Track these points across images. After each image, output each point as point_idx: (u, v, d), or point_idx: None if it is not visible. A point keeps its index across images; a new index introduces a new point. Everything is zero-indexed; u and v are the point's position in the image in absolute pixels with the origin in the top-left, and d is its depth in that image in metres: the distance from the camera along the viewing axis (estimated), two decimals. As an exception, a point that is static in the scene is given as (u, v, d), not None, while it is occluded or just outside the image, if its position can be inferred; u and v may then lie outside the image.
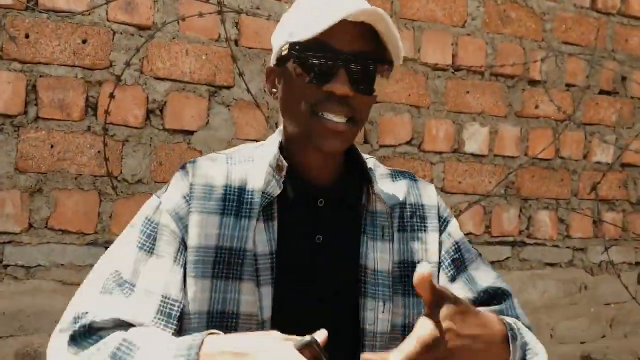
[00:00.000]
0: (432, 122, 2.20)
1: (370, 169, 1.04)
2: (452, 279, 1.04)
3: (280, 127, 1.03)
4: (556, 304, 2.47)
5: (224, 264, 0.94)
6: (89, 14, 1.72)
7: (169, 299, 0.92)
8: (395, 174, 1.11)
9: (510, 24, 2.31)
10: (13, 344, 1.69)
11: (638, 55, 2.55)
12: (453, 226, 1.08)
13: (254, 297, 0.93)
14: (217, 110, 1.89)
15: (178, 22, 1.81)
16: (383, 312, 0.97)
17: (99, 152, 1.75)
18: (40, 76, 1.69)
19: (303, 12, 0.96)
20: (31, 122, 1.69)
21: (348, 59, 0.90)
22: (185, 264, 0.94)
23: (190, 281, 0.93)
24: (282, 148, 1.01)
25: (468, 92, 2.25)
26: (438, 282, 1.01)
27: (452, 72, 2.23)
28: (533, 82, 2.36)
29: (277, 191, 0.97)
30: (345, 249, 0.99)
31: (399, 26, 2.12)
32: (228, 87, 1.90)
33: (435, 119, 2.20)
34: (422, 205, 1.07)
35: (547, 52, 2.36)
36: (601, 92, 2.50)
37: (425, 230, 1.05)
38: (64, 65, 1.71)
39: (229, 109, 1.90)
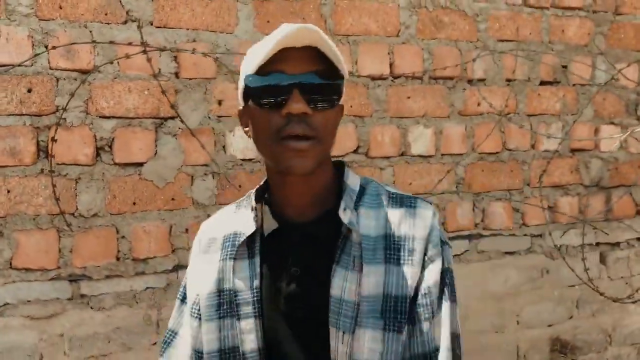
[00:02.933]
0: (377, 129, 2.30)
1: (361, 193, 1.06)
2: (421, 321, 1.00)
3: None
4: (520, 290, 2.56)
5: (225, 304, 1.05)
6: (32, 65, 1.84)
7: (200, 353, 1.08)
8: (394, 201, 1.07)
9: (444, 29, 2.41)
10: (-11, 380, 1.79)
11: (576, 44, 2.65)
12: (437, 265, 1.03)
13: (241, 333, 1.03)
14: (164, 140, 2.00)
15: (118, 62, 1.93)
16: (342, 343, 0.98)
17: (53, 191, 1.86)
18: (-9, 127, 1.81)
19: (253, 51, 1.03)
20: (-13, 170, 1.81)
21: (299, 79, 0.96)
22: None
23: (203, 326, 1.07)
24: (267, 186, 1.10)
25: (409, 97, 2.36)
26: (402, 318, 0.99)
27: (392, 80, 2.33)
28: (473, 81, 2.46)
29: (251, 229, 1.05)
30: (318, 279, 1.01)
31: (335, 42, 2.23)
32: (173, 118, 2.01)
33: (379, 126, 2.31)
34: (412, 238, 1.03)
35: (483, 51, 2.46)
36: (543, 83, 2.59)
37: (411, 264, 1.01)
38: (12, 114, 1.83)
39: (175, 138, 2.01)
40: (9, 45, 1.82)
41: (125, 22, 1.95)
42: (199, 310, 1.08)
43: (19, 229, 1.83)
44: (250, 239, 1.06)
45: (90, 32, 1.90)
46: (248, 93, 1.02)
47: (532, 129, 2.57)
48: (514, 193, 2.54)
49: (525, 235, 2.57)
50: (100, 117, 1.92)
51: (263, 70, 0.97)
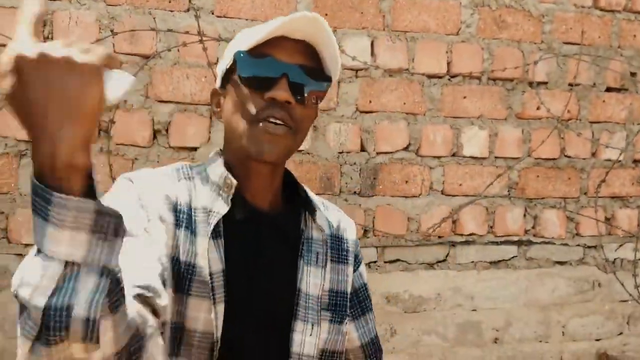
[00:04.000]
0: (429, 128, 2.29)
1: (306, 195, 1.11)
2: (355, 317, 1.16)
3: (216, 150, 1.08)
4: (568, 301, 2.49)
5: (182, 279, 0.93)
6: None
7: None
8: (326, 204, 1.18)
9: (507, 29, 2.36)
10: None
11: (648, 50, 2.53)
12: (363, 267, 1.20)
13: (203, 314, 0.93)
14: (218, 127, 2.06)
15: (178, 49, 1.99)
16: (311, 335, 1.02)
17: (109, 170, 1.95)
18: (58, 105, 1.91)
19: (247, 32, 1.03)
20: (51, 146, 1.92)
21: (289, 69, 0.96)
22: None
23: None
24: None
25: (465, 97, 2.32)
26: (347, 312, 1.11)
27: (448, 79, 2.30)
28: (533, 84, 2.40)
29: (225, 209, 0.98)
30: (284, 273, 1.03)
31: (392, 39, 2.23)
32: (227, 106, 2.06)
33: (432, 125, 2.29)
34: (346, 239, 1.15)
35: (546, 53, 2.39)
36: (609, 89, 2.50)
37: (346, 263, 1.13)
38: (77, 94, 1.92)
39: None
40: (77, 29, 1.92)
41: (187, 10, 2.01)
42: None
43: (77, 203, 1.93)
44: (213, 216, 0.98)
45: (154, 18, 1.98)
46: (232, 71, 1.01)
47: (593, 136, 2.48)
48: (570, 201, 2.47)
49: (578, 245, 2.49)
50: (158, 101, 2.00)
51: (256, 51, 0.97)
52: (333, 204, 1.21)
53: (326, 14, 2.16)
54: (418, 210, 2.28)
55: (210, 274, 0.94)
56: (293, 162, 2.14)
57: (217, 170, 1.03)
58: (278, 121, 0.96)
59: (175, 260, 0.93)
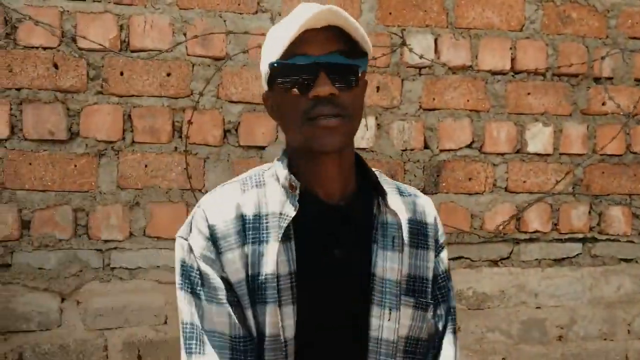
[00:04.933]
0: (493, 125, 2.29)
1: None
2: (435, 305, 1.11)
3: (283, 149, 1.10)
4: (633, 299, 2.45)
5: (253, 291, 0.98)
6: (172, 51, 2.00)
7: (239, 338, 0.98)
8: (403, 189, 1.15)
9: (572, 24, 2.34)
10: (120, 334, 2.00)
11: None
12: (445, 253, 1.14)
13: (276, 318, 0.96)
14: (285, 126, 2.10)
15: (247, 51, 2.05)
16: (389, 320, 1.01)
17: (185, 169, 2.02)
18: (134, 107, 1.99)
19: (275, 35, 1.02)
20: (128, 146, 1.99)
21: (324, 61, 0.95)
22: (237, 297, 0.98)
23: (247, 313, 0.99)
24: (290, 169, 1.06)
25: (529, 93, 2.31)
26: (429, 299, 1.08)
27: (512, 76, 2.30)
28: (599, 80, 2.37)
29: (293, 212, 0.99)
30: (358, 260, 1.03)
31: (455, 36, 2.23)
32: (294, 105, 2.11)
33: (495, 122, 2.29)
34: (425, 224, 1.12)
35: (612, 48, 2.36)
36: (676, 84, 2.45)
37: (427, 248, 1.10)
38: (152, 96, 2.00)
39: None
40: (152, 32, 1.99)
41: (255, 12, 2.06)
42: (227, 294, 0.99)
43: (153, 201, 2.01)
44: (282, 220, 1.01)
45: (224, 21, 2.04)
46: (273, 78, 1.01)
47: (660, 132, 2.43)
48: (635, 198, 2.43)
49: (644, 242, 2.45)
50: (229, 101, 2.06)
51: (287, 53, 0.96)
52: (412, 188, 1.18)
53: (390, 13, 2.18)
54: (481, 207, 2.28)
55: (278, 277, 0.97)
56: (358, 160, 2.17)
57: (282, 172, 1.05)
58: (329, 117, 0.96)
59: (248, 279, 0.99)
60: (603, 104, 2.38)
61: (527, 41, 2.31)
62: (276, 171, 1.06)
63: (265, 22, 2.06)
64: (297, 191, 1.01)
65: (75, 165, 1.96)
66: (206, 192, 2.04)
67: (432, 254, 1.10)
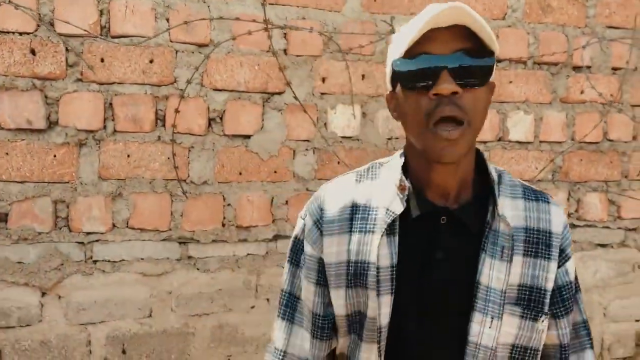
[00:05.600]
0: (476, 114, 2.29)
1: (499, 182, 1.07)
2: (556, 317, 1.08)
3: (404, 146, 1.11)
4: (609, 283, 2.52)
5: (353, 275, 1.05)
6: (154, 37, 1.94)
7: (319, 316, 1.09)
8: (529, 193, 1.10)
9: (552, 13, 2.36)
10: (104, 329, 1.95)
11: (689, 33, 2.53)
12: (571, 263, 1.10)
13: (375, 304, 1.02)
14: (270, 115, 2.07)
15: (232, 37, 2.00)
16: (490, 327, 1.01)
17: (168, 158, 1.97)
18: (115, 94, 1.93)
19: (401, 34, 1.02)
20: (110, 135, 1.93)
21: (447, 59, 0.94)
22: (326, 280, 1.08)
23: (332, 292, 1.07)
24: (406, 166, 1.09)
25: (511, 81, 2.33)
26: (545, 310, 1.05)
27: (495, 64, 2.31)
28: (578, 68, 2.40)
29: (400, 209, 1.03)
30: (462, 266, 1.03)
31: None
32: (279, 93, 2.07)
33: (478, 110, 2.30)
34: (549, 233, 1.06)
35: (591, 37, 2.39)
36: (650, 72, 2.50)
37: (549, 259, 1.05)
38: (135, 83, 1.94)
39: (281, 113, 2.08)
40: (134, 17, 1.92)
41: (240, -2, 2.02)
42: (318, 276, 1.09)
43: (136, 192, 1.96)
44: (389, 215, 1.05)
45: (208, 6, 1.98)
46: (396, 77, 1.01)
47: (635, 120, 2.49)
48: (611, 184, 2.49)
49: (619, 228, 2.52)
50: (213, 89, 2.01)
51: (411, 53, 0.96)
52: (541, 192, 1.13)
53: (375, 0, 2.16)
54: (465, 195, 2.30)
55: (378, 268, 1.02)
56: (343, 149, 2.16)
57: (397, 170, 1.08)
58: (449, 125, 0.95)
59: (349, 263, 1.06)
60: (581, 92, 2.42)
61: (509, 30, 2.32)
62: (391, 167, 1.10)
63: (249, 8, 2.02)
64: (406, 192, 1.05)
65: (55, 156, 1.89)
66: (191, 182, 2.00)
67: (553, 265, 1.05)
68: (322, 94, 2.13)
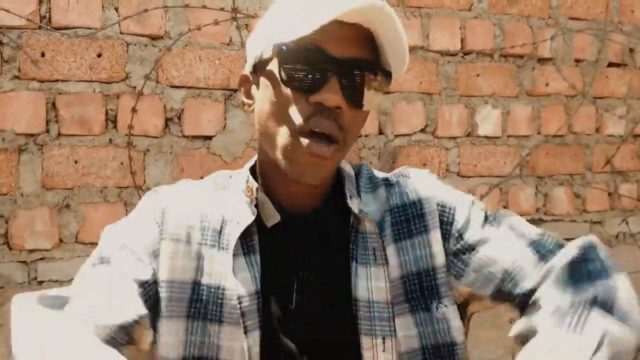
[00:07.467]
0: (445, 108, 2.21)
1: (357, 176, 0.94)
2: (467, 270, 0.88)
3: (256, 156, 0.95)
4: (576, 277, 2.50)
5: (201, 302, 0.82)
6: (102, 28, 1.74)
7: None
8: (389, 179, 0.96)
9: (517, 4, 2.31)
10: (54, 356, 1.73)
11: (645, 25, 2.55)
12: (464, 209, 0.90)
13: (238, 343, 0.81)
14: (233, 113, 1.91)
15: (189, 29, 1.82)
16: (384, 350, 0.83)
17: (121, 163, 1.77)
18: (59, 93, 1.71)
19: (288, 12, 0.82)
20: (53, 139, 1.72)
21: (342, 66, 0.78)
22: (154, 300, 0.81)
23: (162, 322, 0.82)
24: (254, 171, 0.92)
25: (478, 75, 2.26)
26: (441, 294, 0.87)
27: (462, 57, 2.23)
28: (542, 60, 2.36)
29: (250, 217, 0.85)
30: (334, 282, 0.85)
31: (407, 15, 2.13)
32: (243, 90, 1.91)
33: (447, 105, 2.22)
34: (418, 201, 0.90)
35: (555, 29, 2.36)
36: (610, 65, 2.50)
37: (426, 230, 0.89)
38: (81, 81, 1.73)
39: (244, 111, 1.92)
40: (78, 6, 1.71)
41: (196, -14, 1.84)
42: (148, 292, 0.82)
43: (86, 202, 1.75)
44: (247, 230, 0.85)
45: (162, -5, 1.80)
46: (269, 61, 0.82)
47: (597, 112, 2.48)
48: (576, 178, 2.47)
49: (585, 221, 2.50)
50: (170, 86, 1.83)
51: (298, 39, 0.77)
52: (407, 169, 0.98)
53: (340, -10, 2.03)
54: (436, 193, 2.21)
55: (239, 297, 0.81)
56: (312, 148, 2.02)
57: (244, 175, 0.90)
58: (322, 141, 0.78)
59: (196, 285, 0.83)
60: (546, 85, 2.38)
61: (475, 21, 2.25)
62: (241, 177, 0.91)
63: (207, -4, 1.85)
64: (254, 195, 0.87)
65: (-10, 164, 1.66)
66: (147, 189, 1.80)
67: (435, 234, 0.88)
68: (286, 90, 1.98)
